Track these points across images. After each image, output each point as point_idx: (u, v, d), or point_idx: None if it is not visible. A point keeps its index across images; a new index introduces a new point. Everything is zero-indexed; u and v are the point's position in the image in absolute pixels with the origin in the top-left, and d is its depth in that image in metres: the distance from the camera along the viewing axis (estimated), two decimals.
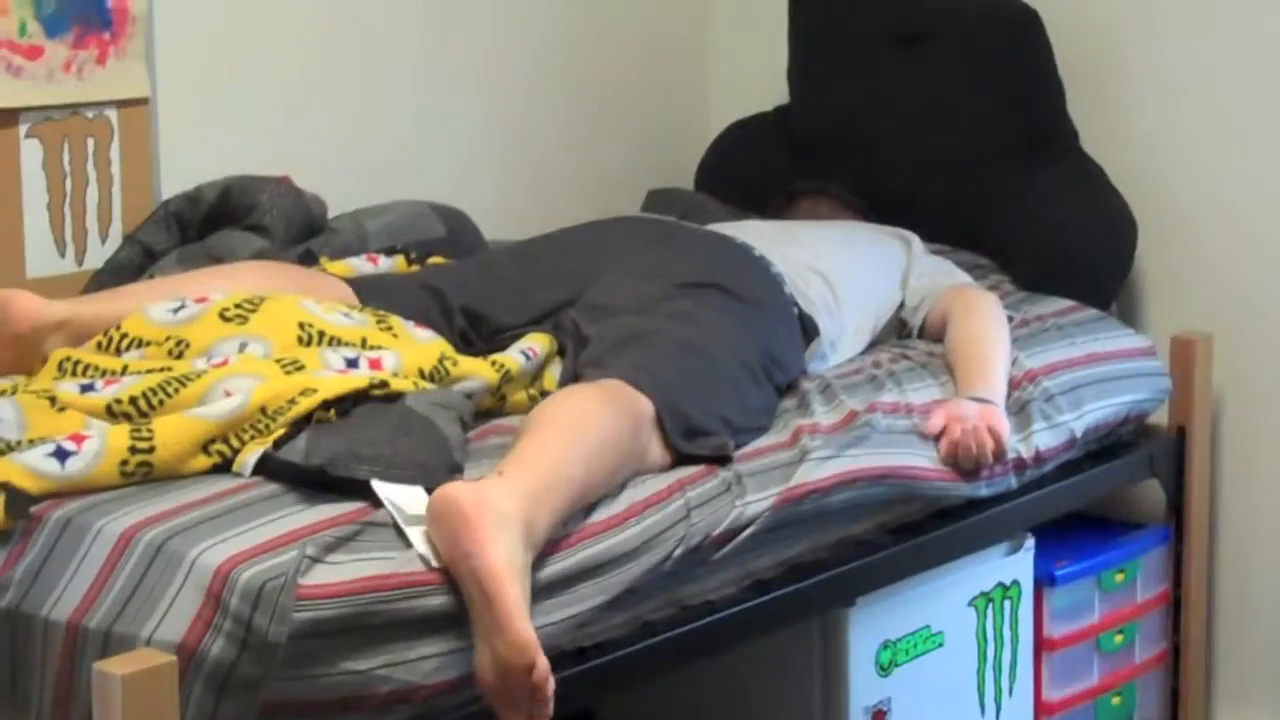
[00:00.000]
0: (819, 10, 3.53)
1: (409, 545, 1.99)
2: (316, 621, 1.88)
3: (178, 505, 2.00)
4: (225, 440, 2.12)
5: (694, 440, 2.37)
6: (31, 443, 2.07)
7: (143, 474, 2.07)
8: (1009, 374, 2.83)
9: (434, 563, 1.97)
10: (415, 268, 2.78)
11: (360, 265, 2.74)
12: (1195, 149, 3.29)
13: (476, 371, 2.41)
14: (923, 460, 2.61)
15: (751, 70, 3.70)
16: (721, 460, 2.37)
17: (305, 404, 2.14)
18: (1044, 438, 2.80)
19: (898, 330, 3.02)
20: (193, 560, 1.90)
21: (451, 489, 1.99)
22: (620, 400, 2.30)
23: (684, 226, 2.98)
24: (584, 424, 2.22)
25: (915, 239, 3.13)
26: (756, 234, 2.92)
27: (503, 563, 1.94)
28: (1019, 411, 2.79)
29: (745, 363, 2.54)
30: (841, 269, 2.91)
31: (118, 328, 2.33)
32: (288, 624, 1.86)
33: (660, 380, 2.37)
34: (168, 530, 1.95)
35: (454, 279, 2.65)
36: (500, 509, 1.97)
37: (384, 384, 2.23)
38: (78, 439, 2.06)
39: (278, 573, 1.88)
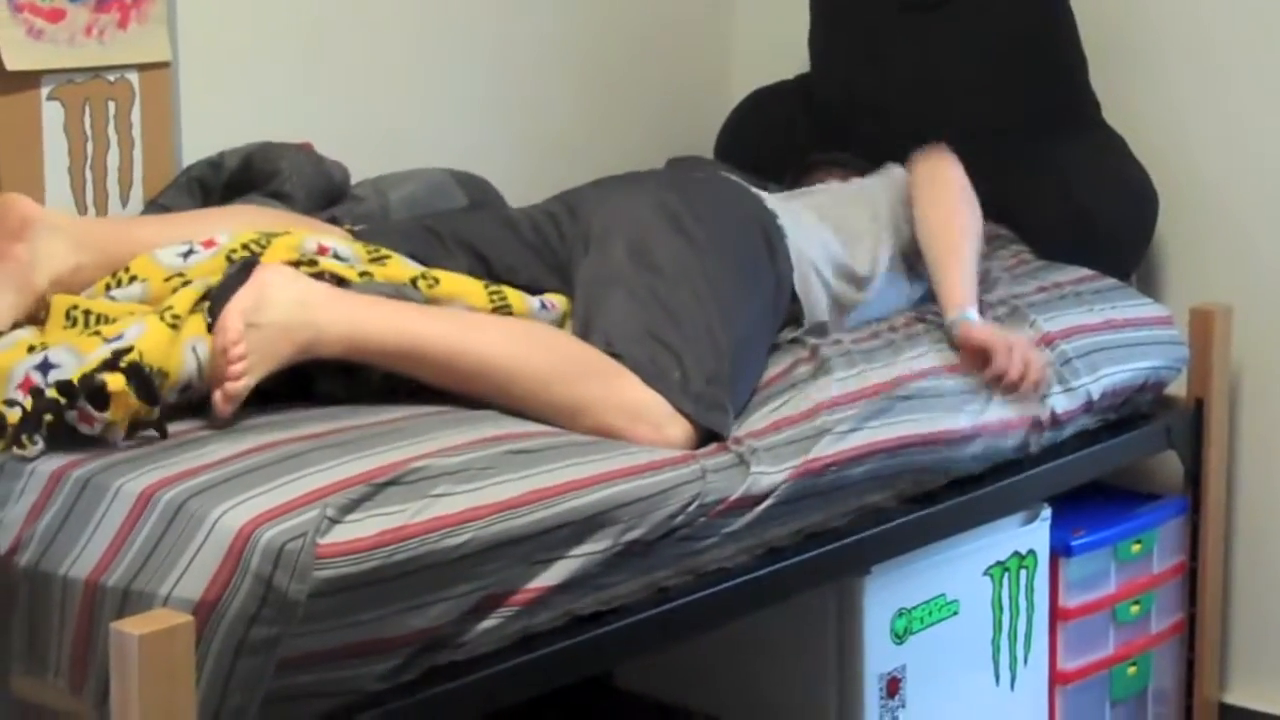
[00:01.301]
0: None
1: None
2: (335, 579, 1.90)
3: (197, 465, 2.01)
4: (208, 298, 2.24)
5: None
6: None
7: (177, 324, 2.17)
8: (978, 260, 2.92)
9: None
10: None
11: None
12: (1218, 121, 3.29)
13: (461, 292, 2.43)
14: (942, 424, 2.62)
15: (774, 37, 3.70)
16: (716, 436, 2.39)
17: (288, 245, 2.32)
18: (1060, 401, 2.82)
19: None
20: (214, 520, 1.90)
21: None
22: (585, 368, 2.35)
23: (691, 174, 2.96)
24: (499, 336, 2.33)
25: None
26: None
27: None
28: None
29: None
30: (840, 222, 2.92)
31: (126, 269, 2.34)
32: (308, 582, 1.88)
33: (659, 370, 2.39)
34: (188, 490, 1.96)
35: (453, 222, 2.65)
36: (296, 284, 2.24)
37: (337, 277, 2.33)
38: (118, 335, 2.14)
39: (298, 533, 1.89)
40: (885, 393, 2.60)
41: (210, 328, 2.19)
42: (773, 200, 2.81)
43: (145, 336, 2.13)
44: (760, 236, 2.71)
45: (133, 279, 2.34)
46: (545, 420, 2.32)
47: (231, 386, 2.17)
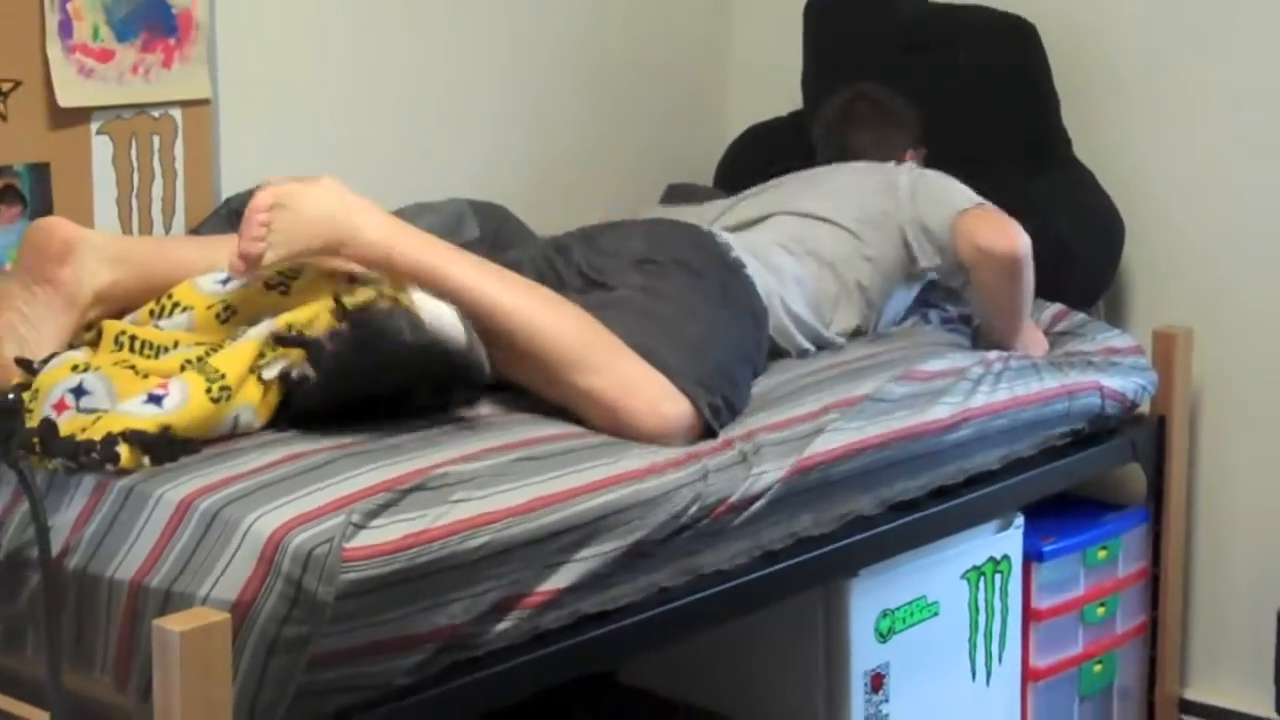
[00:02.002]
0: (830, 22, 3.53)
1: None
2: (360, 581, 1.90)
3: (231, 475, 2.01)
4: (262, 355, 2.15)
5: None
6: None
7: (225, 396, 2.09)
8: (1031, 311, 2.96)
9: (462, 341, 2.13)
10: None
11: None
12: (1179, 157, 3.29)
13: None
14: (917, 420, 2.61)
15: (769, 76, 3.70)
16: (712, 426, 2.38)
17: (327, 315, 2.19)
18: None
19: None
20: (247, 526, 1.90)
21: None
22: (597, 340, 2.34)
23: (660, 222, 2.89)
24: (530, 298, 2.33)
25: (902, 178, 3.02)
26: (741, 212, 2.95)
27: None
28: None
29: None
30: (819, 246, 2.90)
31: (169, 296, 2.32)
32: (335, 585, 1.87)
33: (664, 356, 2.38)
34: (223, 498, 1.95)
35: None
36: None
37: (395, 298, 2.24)
38: (163, 387, 2.08)
39: (325, 538, 1.89)
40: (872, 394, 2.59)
41: (264, 394, 2.15)
42: (739, 248, 2.75)
43: (184, 411, 2.06)
44: (729, 281, 2.68)
45: (176, 306, 2.31)
46: (546, 371, 2.31)
47: (245, 246, 2.19)
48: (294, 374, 2.15)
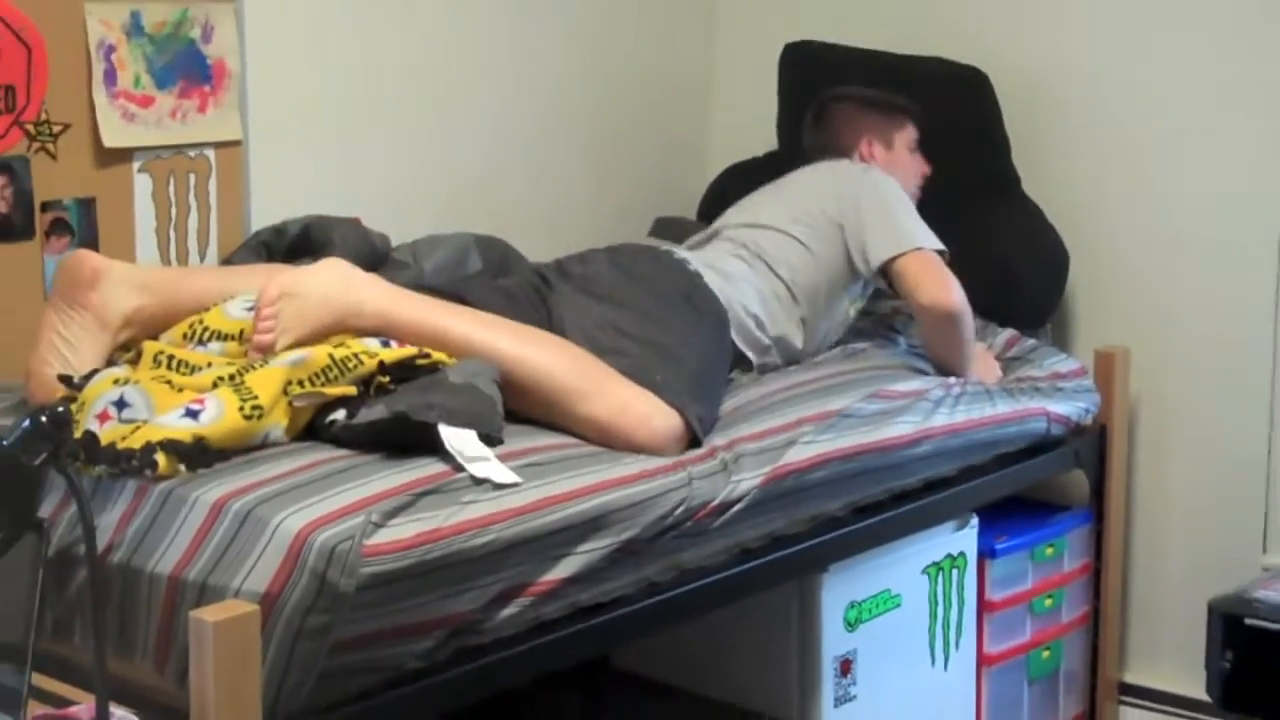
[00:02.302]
0: (802, 71, 3.54)
1: (475, 481, 2.06)
2: (378, 574, 1.90)
3: (261, 479, 2.01)
4: (300, 383, 2.14)
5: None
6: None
7: (257, 415, 2.09)
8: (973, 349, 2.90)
9: (498, 480, 2.06)
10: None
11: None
12: (1118, 194, 3.30)
13: None
14: (882, 435, 2.61)
15: (747, 120, 3.70)
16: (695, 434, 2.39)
17: (370, 364, 2.18)
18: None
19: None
20: (276, 525, 1.91)
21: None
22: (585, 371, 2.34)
23: (621, 247, 2.87)
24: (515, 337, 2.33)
25: (847, 190, 2.95)
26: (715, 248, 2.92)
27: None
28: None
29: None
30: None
31: (201, 321, 2.32)
32: (356, 577, 1.88)
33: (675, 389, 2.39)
34: (254, 500, 1.96)
35: (469, 292, 2.58)
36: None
37: (427, 355, 2.25)
38: (199, 402, 2.09)
39: (347, 535, 1.89)
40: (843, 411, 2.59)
41: (291, 419, 2.15)
42: (695, 262, 2.76)
43: (218, 425, 2.06)
44: (692, 292, 2.68)
45: (207, 331, 2.30)
46: (544, 403, 2.31)
47: (258, 339, 2.21)
48: (333, 425, 2.14)
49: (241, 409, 2.09)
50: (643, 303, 2.57)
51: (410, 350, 2.25)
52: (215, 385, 2.15)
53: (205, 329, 2.31)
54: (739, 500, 2.35)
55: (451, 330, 2.31)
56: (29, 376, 2.31)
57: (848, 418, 2.58)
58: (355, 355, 2.20)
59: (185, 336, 2.32)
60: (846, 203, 2.92)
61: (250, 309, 2.32)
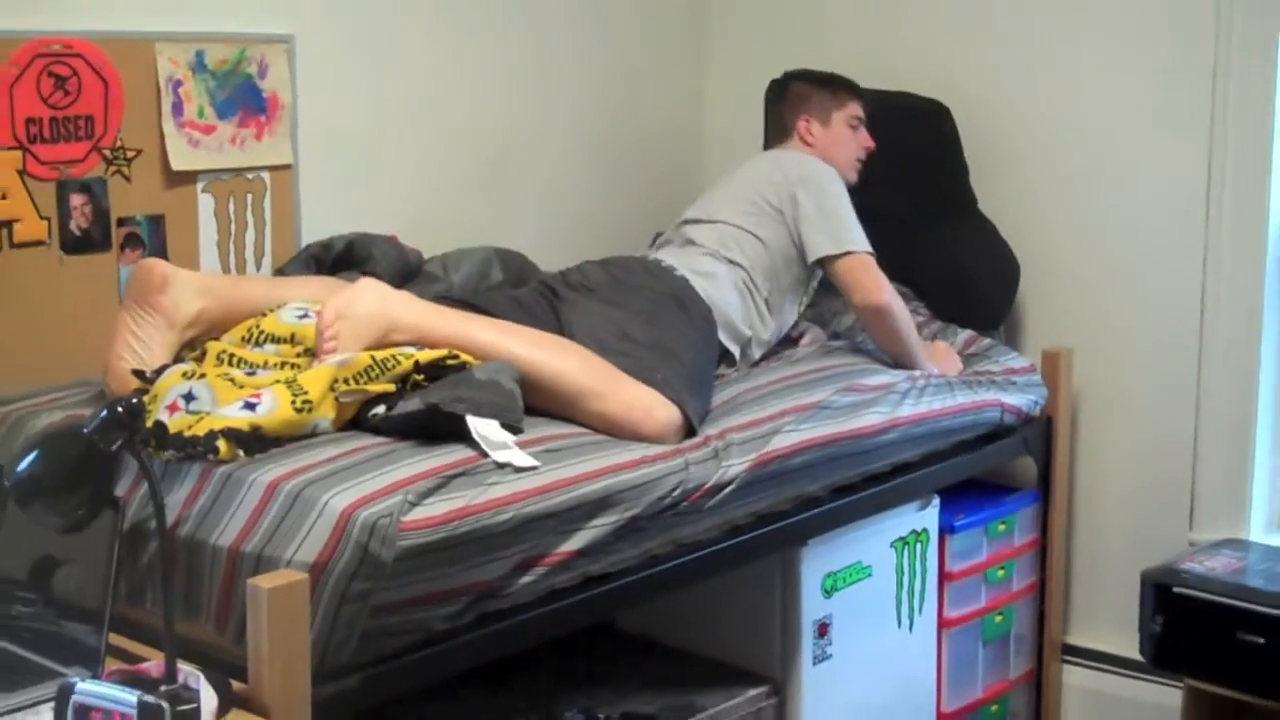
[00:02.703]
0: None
1: (498, 466, 2.06)
2: (414, 546, 1.91)
3: (310, 463, 2.02)
4: (345, 381, 2.14)
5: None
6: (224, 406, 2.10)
7: (307, 409, 2.09)
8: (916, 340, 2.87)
9: (519, 464, 2.06)
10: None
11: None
12: (1063, 211, 3.29)
13: None
14: (855, 424, 2.61)
15: (737, 144, 3.68)
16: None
17: (406, 364, 2.19)
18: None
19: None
20: (324, 503, 1.92)
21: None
22: (596, 372, 2.34)
23: (612, 259, 2.85)
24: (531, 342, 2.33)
25: (783, 180, 2.90)
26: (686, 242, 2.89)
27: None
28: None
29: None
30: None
31: (258, 325, 2.33)
32: (394, 549, 1.88)
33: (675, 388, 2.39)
34: (304, 481, 1.97)
35: (489, 305, 2.58)
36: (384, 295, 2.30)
37: (455, 356, 2.26)
38: (256, 396, 2.10)
39: (387, 512, 1.90)
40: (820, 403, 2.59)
41: (337, 412, 2.15)
42: (680, 267, 2.75)
43: (273, 416, 2.07)
44: (681, 293, 2.68)
45: (263, 334, 2.31)
46: (560, 401, 2.31)
47: (326, 355, 2.21)
48: (374, 417, 2.14)
49: (293, 402, 2.09)
50: (641, 308, 2.58)
51: (441, 352, 2.26)
52: (273, 383, 2.15)
53: (262, 332, 2.32)
54: (729, 483, 2.35)
55: (478, 338, 2.32)
56: (106, 371, 2.31)
57: (825, 409, 2.58)
58: (393, 356, 2.21)
59: (244, 339, 2.32)
60: (783, 192, 2.90)
61: (301, 316, 2.33)
